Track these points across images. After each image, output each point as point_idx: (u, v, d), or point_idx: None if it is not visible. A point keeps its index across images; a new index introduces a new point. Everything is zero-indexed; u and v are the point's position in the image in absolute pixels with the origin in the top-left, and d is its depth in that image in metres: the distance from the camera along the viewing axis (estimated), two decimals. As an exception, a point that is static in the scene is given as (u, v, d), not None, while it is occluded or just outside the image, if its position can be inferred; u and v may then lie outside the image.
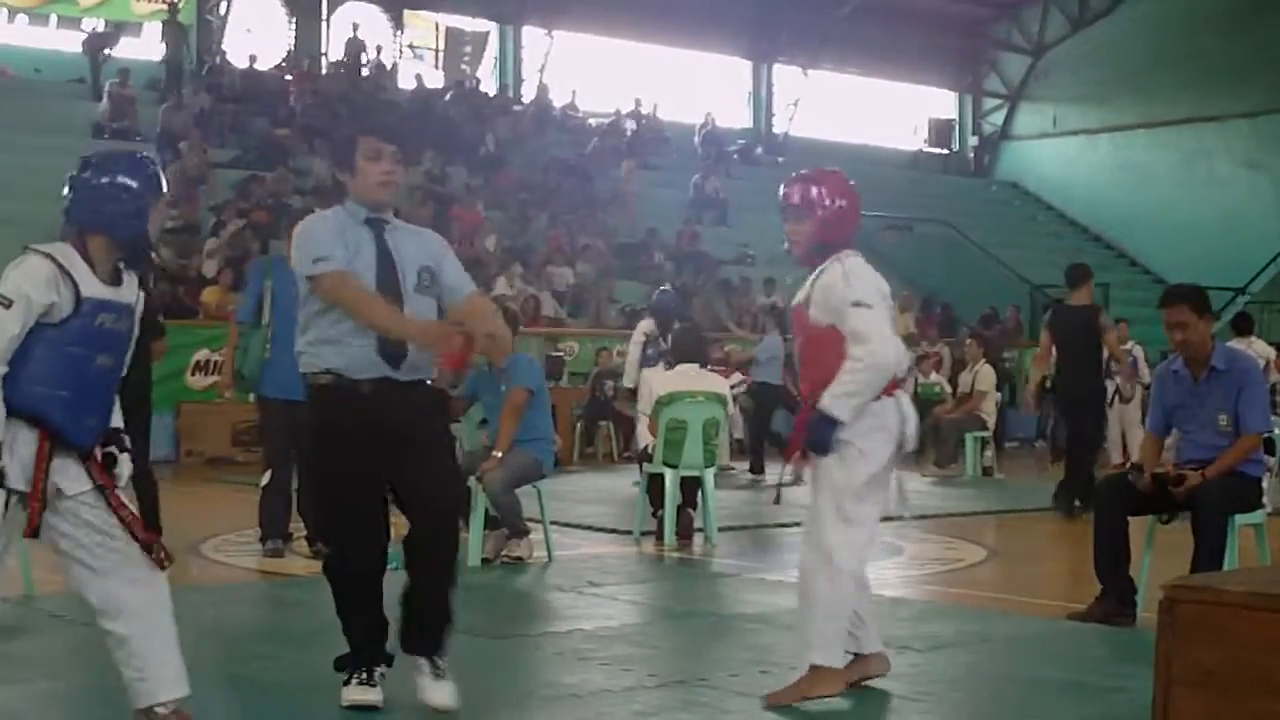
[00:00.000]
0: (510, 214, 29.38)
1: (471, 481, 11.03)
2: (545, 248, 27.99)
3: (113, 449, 5.79)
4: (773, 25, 38.69)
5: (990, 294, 30.85)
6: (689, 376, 12.83)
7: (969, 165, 43.56)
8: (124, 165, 5.82)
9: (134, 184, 5.73)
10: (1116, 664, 7.67)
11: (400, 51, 34.57)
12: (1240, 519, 8.91)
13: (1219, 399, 8.76)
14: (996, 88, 43.43)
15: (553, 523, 11.72)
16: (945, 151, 43.19)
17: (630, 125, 35.26)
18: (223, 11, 31.82)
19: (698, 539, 12.63)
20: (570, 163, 32.00)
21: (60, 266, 5.55)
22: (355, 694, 6.53)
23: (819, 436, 6.73)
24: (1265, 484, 9.29)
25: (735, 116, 39.23)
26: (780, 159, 37.92)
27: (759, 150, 38.16)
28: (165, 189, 5.84)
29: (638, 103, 35.70)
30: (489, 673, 7.56)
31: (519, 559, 11.14)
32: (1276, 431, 10.10)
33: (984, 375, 20.95)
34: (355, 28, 32.77)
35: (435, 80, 33.91)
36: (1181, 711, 4.50)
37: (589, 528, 13.55)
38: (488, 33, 35.88)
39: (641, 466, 13.19)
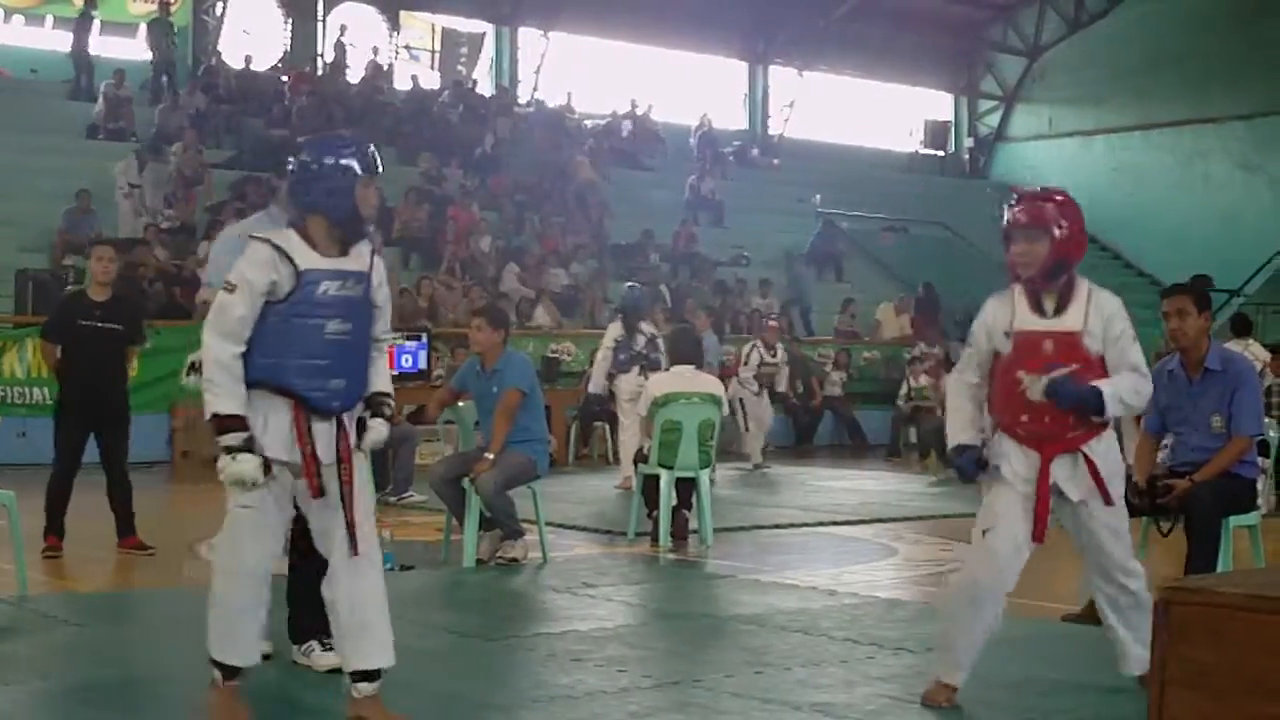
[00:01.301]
0: (506, 215, 29.39)
1: (465, 483, 11.05)
2: (540, 249, 28.00)
3: (367, 414, 6.22)
4: (768, 26, 38.70)
5: (985, 295, 30.75)
6: (684, 378, 12.84)
7: (964, 167, 43.55)
8: (333, 147, 6.21)
9: (343, 163, 6.10)
10: (1108, 665, 7.66)
11: (396, 52, 34.55)
12: (1235, 520, 8.93)
13: (1212, 400, 8.79)
14: (992, 89, 43.43)
15: (547, 524, 11.71)
16: (941, 153, 43.17)
17: (627, 126, 35.26)
18: (218, 12, 31.78)
19: (693, 540, 12.63)
20: (566, 164, 31.98)
21: (277, 248, 5.97)
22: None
23: (1075, 398, 6.61)
24: (1259, 485, 9.30)
25: (731, 118, 39.21)
26: (776, 160, 37.96)
27: (755, 152, 38.15)
28: (378, 167, 6.19)
29: (633, 104, 35.68)
30: (483, 674, 7.57)
31: (514, 560, 11.13)
32: (1270, 434, 10.11)
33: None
34: (343, 30, 32.77)
35: (431, 81, 33.89)
36: (1176, 712, 4.49)
37: (584, 529, 13.55)
38: (484, 34, 35.86)
39: (637, 467, 13.19)
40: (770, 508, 16.03)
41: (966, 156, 43.71)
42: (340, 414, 6.09)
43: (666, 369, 13.81)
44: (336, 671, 6.79)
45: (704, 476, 12.64)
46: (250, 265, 5.96)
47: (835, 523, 14.64)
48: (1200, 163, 38.48)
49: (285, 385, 5.95)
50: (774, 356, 21.62)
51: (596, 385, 17.57)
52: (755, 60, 39.74)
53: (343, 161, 6.10)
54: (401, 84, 32.97)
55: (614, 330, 17.31)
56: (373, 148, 6.24)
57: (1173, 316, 8.84)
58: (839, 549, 13.02)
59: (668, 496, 12.46)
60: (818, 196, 34.82)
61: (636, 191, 32.68)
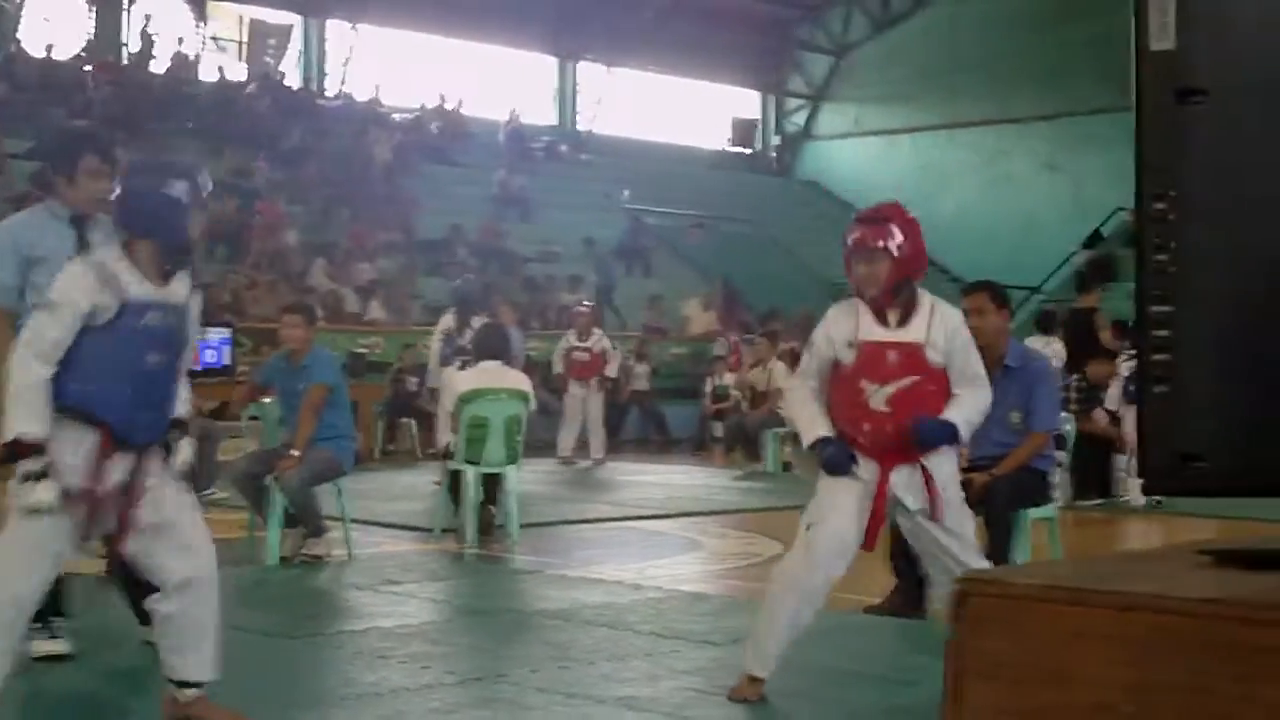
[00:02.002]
0: (313, 209, 29.13)
1: (268, 480, 10.96)
2: (348, 243, 27.80)
3: (173, 435, 6.04)
4: (579, 22, 38.70)
5: (791, 292, 31.12)
6: (491, 373, 12.79)
7: (772, 164, 43.89)
8: (168, 173, 6.02)
9: (177, 192, 5.92)
10: (911, 656, 7.77)
11: (203, 43, 34.05)
12: (1033, 513, 9.09)
13: (1012, 396, 8.94)
14: (800, 88, 43.80)
15: (353, 521, 11.64)
16: (749, 151, 43.48)
17: (436, 121, 35.09)
18: None
19: (499, 536, 12.61)
20: (374, 158, 31.75)
21: (103, 271, 5.75)
22: (45, 646, 7.21)
23: (937, 440, 6.83)
24: (1055, 479, 9.48)
25: (540, 113, 39.20)
26: (585, 156, 37.99)
27: (564, 148, 38.15)
28: (206, 192, 6.10)
29: (443, 98, 35.53)
30: (286, 672, 7.51)
31: (317, 558, 11.06)
32: (1066, 428, 10.33)
33: (778, 372, 21.11)
34: (148, 19, 32.25)
35: (239, 73, 33.48)
36: (972, 702, 4.54)
37: (389, 525, 13.46)
38: (291, 25, 35.49)
39: (445, 464, 13.14)
40: (577, 503, 16.06)
41: (774, 154, 44.05)
42: (144, 446, 5.91)
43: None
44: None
45: (511, 472, 12.62)
46: (74, 286, 5.73)
47: (641, 517, 14.69)
48: (1004, 162, 39.12)
49: (95, 414, 5.74)
50: (586, 343, 21.50)
51: (435, 379, 17.42)
52: (565, 56, 39.75)
53: (175, 189, 5.93)
54: (208, 75, 32.52)
55: (445, 321, 17.12)
56: (205, 173, 6.20)
57: (972, 314, 8.97)
58: (645, 543, 13.08)
59: (474, 492, 12.42)
60: (626, 192, 34.93)
61: (445, 186, 32.53)
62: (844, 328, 6.87)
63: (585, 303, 23.58)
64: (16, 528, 5.73)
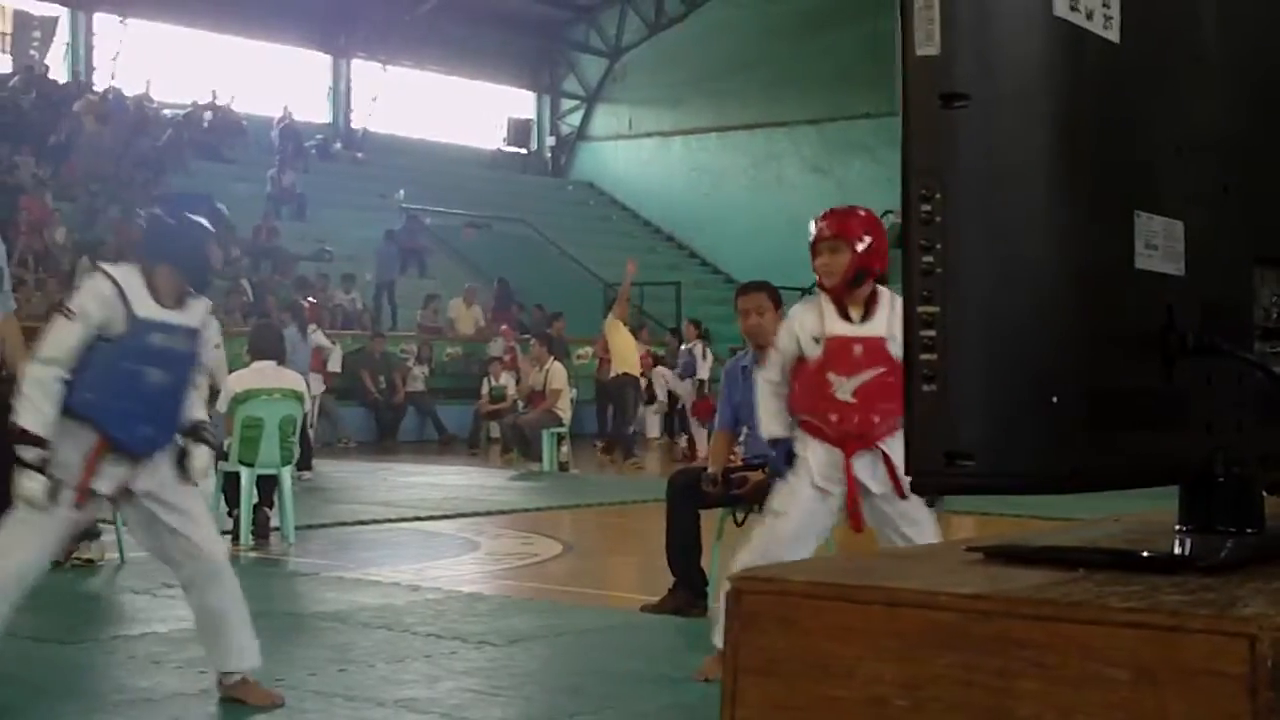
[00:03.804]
0: (80, 206, 28.59)
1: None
2: (116, 241, 27.31)
3: (187, 442, 6.44)
4: (351, 20, 38.47)
5: (566, 291, 31.21)
6: (265, 374, 12.70)
7: (547, 165, 43.98)
8: (190, 206, 6.60)
9: (198, 220, 6.49)
10: (690, 654, 7.84)
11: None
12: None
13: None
14: (575, 89, 43.95)
15: (124, 524, 11.47)
16: (524, 151, 43.52)
17: (208, 116, 34.63)
18: None
19: (275, 538, 12.52)
20: (143, 154, 31.25)
21: (118, 287, 6.16)
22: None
23: None
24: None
25: (314, 111, 38.87)
26: (360, 155, 37.77)
27: (338, 145, 37.89)
28: (223, 223, 6.48)
29: (214, 94, 35.08)
30: (59, 678, 7.39)
31: (90, 561, 10.87)
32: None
33: (555, 373, 21.19)
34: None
35: (1, 66, 32.76)
36: (749, 699, 4.61)
37: (163, 528, 13.26)
38: (57, 18, 34.77)
39: (216, 465, 13.00)
40: (354, 504, 15.97)
41: (548, 155, 44.14)
42: (144, 457, 6.30)
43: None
44: None
45: (285, 473, 12.54)
46: (89, 297, 6.16)
47: (418, 518, 14.67)
48: (773, 165, 39.57)
49: (98, 422, 6.16)
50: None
51: None
52: (338, 53, 39.47)
53: (197, 219, 6.43)
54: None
55: None
56: (221, 206, 6.53)
57: (751, 314, 9.08)
58: (422, 544, 13.06)
59: (249, 494, 12.31)
60: (401, 192, 34.77)
61: (217, 184, 32.08)
62: (810, 323, 7.09)
63: (309, 299, 23.50)
64: (17, 512, 6.18)
